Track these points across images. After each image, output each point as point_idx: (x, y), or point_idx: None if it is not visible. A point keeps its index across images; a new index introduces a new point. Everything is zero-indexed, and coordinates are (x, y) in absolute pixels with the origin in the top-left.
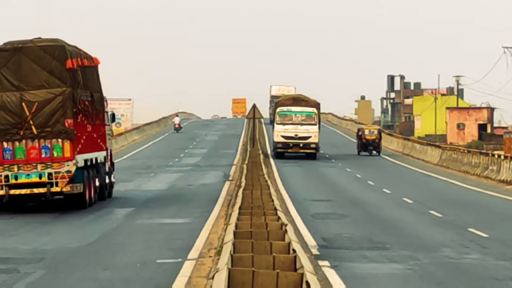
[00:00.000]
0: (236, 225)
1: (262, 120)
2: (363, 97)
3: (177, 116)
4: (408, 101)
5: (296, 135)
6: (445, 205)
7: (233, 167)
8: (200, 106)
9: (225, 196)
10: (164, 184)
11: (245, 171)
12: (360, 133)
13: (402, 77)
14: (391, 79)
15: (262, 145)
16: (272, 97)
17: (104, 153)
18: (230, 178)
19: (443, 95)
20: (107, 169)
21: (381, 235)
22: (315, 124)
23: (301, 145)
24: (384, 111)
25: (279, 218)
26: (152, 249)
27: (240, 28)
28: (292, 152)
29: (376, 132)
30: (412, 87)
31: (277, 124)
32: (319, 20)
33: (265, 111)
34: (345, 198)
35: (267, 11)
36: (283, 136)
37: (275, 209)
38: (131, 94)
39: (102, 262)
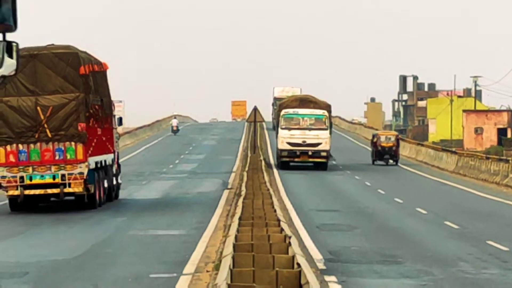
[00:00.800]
0: (235, 237)
1: (264, 124)
2: (373, 99)
3: (175, 118)
4: (421, 103)
5: (304, 141)
6: (462, 216)
7: (233, 175)
8: (197, 108)
9: (224, 205)
10: (158, 192)
11: (245, 178)
12: (375, 139)
13: (415, 78)
14: (403, 79)
15: (264, 152)
16: (275, 99)
17: (112, 155)
18: (229, 186)
19: (459, 97)
20: (114, 171)
21: (392, 248)
22: (326, 129)
23: (310, 153)
24: (395, 114)
25: (282, 229)
26: (144, 263)
27: (241, 26)
28: (300, 161)
29: (393, 138)
30: (426, 88)
31: (282, 129)
32: (324, 16)
33: (267, 115)
34: (353, 208)
35: (271, 9)
36: (289, 143)
37: (278, 220)
38: (122, 95)
39: (90, 276)
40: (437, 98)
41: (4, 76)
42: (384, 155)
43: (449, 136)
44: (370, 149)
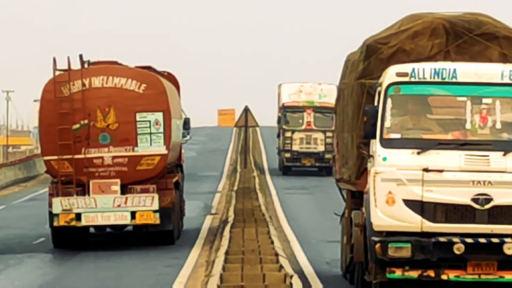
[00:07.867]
0: (221, 278)
1: (261, 150)
2: None
3: None
4: None
5: (484, 197)
6: None
7: (217, 196)
8: None
9: (206, 236)
10: None
11: (233, 201)
12: None
13: None
14: None
15: (259, 164)
16: (285, 108)
17: None
18: (213, 211)
19: None
20: None
21: None
22: None
23: (506, 248)
24: None
25: (281, 267)
26: None
27: (235, 12)
28: (464, 280)
29: None
30: None
31: (385, 145)
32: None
33: (266, 134)
34: None
35: None
36: (409, 203)
37: (276, 254)
38: None
39: None
40: None
41: (186, 141)
42: None
43: None
44: None
